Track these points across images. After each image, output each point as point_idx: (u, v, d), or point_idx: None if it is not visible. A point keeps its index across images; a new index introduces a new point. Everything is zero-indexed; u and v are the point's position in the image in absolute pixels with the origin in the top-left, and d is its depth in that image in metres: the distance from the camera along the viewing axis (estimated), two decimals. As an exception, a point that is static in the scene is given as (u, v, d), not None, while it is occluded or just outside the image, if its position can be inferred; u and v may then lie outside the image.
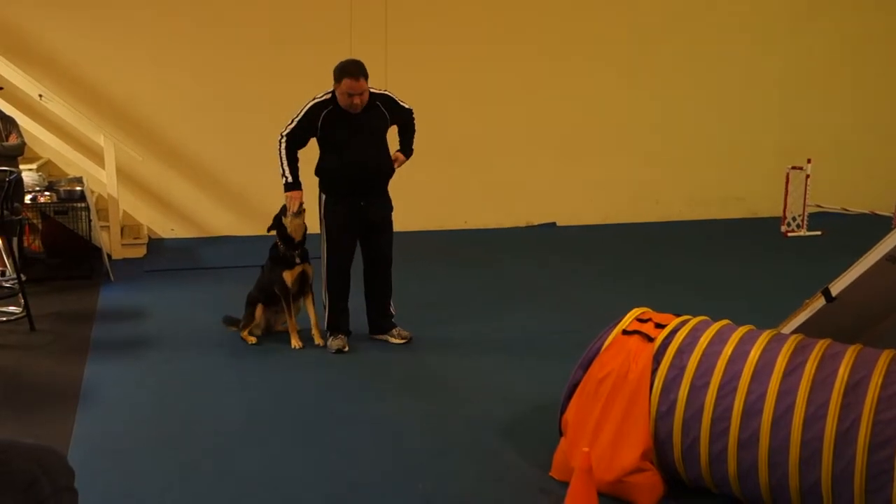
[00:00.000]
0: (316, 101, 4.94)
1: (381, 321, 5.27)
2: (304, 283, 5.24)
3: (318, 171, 5.10)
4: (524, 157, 9.65)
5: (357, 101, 4.80)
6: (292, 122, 4.98)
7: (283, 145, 5.00)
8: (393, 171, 5.15)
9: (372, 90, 4.93)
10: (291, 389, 4.44)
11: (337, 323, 5.14)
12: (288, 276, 5.11)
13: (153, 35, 8.24)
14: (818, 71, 10.87)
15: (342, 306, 5.16)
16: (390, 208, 5.20)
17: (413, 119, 5.25)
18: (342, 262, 5.12)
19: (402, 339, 5.20)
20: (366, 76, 4.79)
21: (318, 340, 5.18)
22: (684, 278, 7.29)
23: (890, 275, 3.26)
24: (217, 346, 5.18)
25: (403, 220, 9.28)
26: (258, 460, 3.58)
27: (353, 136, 4.92)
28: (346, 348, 5.02)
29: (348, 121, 4.90)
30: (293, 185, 5.01)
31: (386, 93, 5.08)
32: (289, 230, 5.13)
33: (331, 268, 5.11)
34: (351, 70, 4.77)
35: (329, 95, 4.90)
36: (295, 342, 5.14)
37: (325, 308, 5.15)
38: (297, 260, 5.16)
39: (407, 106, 5.17)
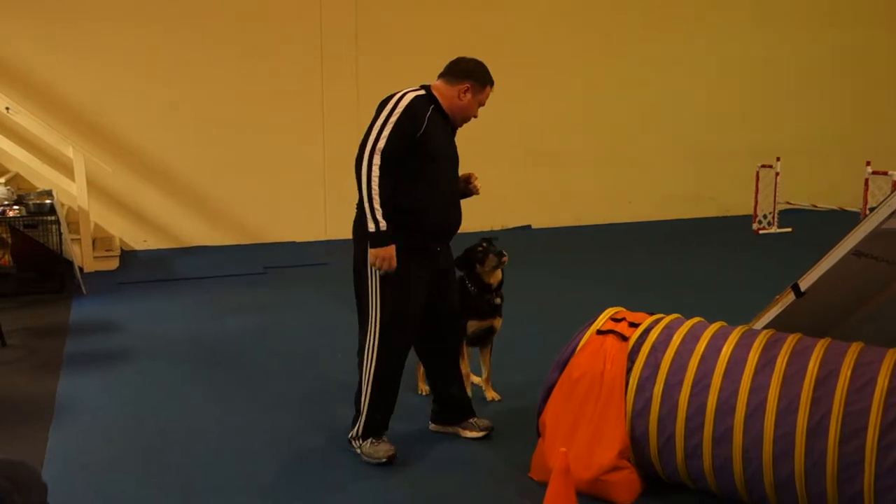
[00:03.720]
0: (416, 93, 3.52)
1: (450, 407, 3.91)
2: (487, 337, 4.28)
3: (393, 209, 3.43)
4: (498, 160, 9.69)
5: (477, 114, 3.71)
6: (383, 125, 3.40)
7: (376, 168, 3.37)
8: None
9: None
10: (268, 401, 4.42)
11: (377, 425, 3.65)
12: (473, 325, 4.15)
13: (122, 45, 8.18)
14: (785, 70, 11.04)
15: (390, 403, 3.69)
16: None
17: None
18: (403, 345, 3.64)
19: (482, 430, 3.85)
20: None
21: (491, 395, 4.33)
22: (658, 277, 7.35)
23: (856, 269, 3.32)
24: (191, 357, 5.15)
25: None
26: (235, 472, 3.55)
27: (449, 156, 3.67)
28: (397, 456, 3.61)
29: (446, 134, 3.65)
30: (387, 237, 3.39)
31: None
32: (483, 278, 4.13)
33: (385, 354, 3.56)
34: (491, 76, 3.66)
35: (424, 91, 3.56)
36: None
37: (362, 408, 3.62)
38: (498, 300, 4.19)
39: None
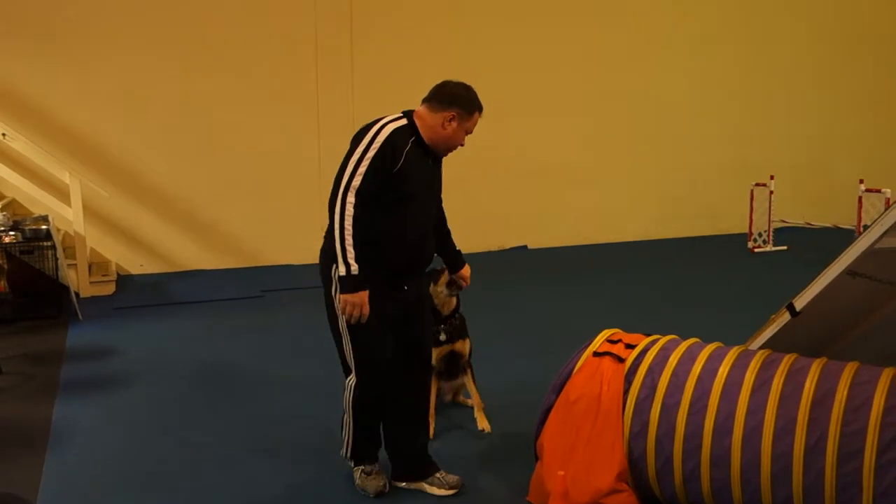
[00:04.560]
0: (395, 124, 3.31)
1: (415, 460, 3.63)
2: (454, 363, 4.26)
3: (362, 242, 3.26)
4: (494, 180, 9.72)
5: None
6: (358, 161, 3.23)
7: (350, 208, 3.21)
8: None
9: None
10: (266, 426, 4.41)
11: (366, 450, 3.59)
12: (433, 354, 4.02)
13: (117, 70, 8.21)
14: (778, 90, 11.12)
15: (374, 430, 3.60)
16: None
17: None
18: (381, 381, 3.47)
19: (451, 488, 3.54)
20: None
21: (482, 425, 4.20)
22: (654, 296, 7.36)
23: (851, 288, 3.33)
24: (188, 382, 5.13)
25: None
26: (234, 498, 3.53)
27: (428, 188, 3.48)
28: (388, 488, 3.56)
29: (426, 168, 3.43)
30: (359, 282, 3.22)
31: None
32: (435, 301, 4.09)
33: (365, 385, 3.43)
34: (479, 102, 3.45)
35: (405, 120, 3.36)
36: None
37: (346, 435, 3.58)
38: (444, 337, 4.15)
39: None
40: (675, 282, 8.10)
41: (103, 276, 7.81)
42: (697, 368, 3.13)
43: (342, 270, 3.19)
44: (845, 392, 2.81)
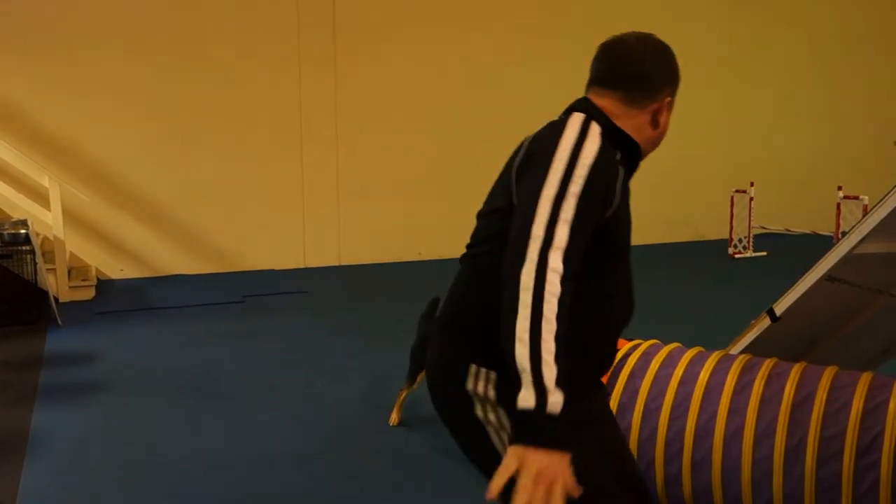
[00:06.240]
0: (599, 139, 1.86)
1: None
2: None
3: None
4: (477, 186, 9.73)
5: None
6: (559, 199, 1.72)
7: (557, 286, 1.65)
8: None
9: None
10: (247, 433, 4.38)
11: None
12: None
13: (98, 74, 8.17)
14: (756, 96, 11.23)
15: None
16: None
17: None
18: None
19: None
20: None
21: None
22: (635, 301, 7.39)
23: (830, 293, 3.37)
24: (169, 388, 5.09)
25: (357, 252, 9.32)
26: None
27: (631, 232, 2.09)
28: None
29: (628, 192, 2.03)
30: (567, 430, 1.61)
31: None
32: None
33: None
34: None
35: (599, 128, 1.90)
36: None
37: None
38: None
39: None
40: (656, 287, 8.14)
41: (83, 280, 7.75)
42: (679, 373, 3.15)
43: (530, 400, 1.59)
44: (825, 396, 2.83)
